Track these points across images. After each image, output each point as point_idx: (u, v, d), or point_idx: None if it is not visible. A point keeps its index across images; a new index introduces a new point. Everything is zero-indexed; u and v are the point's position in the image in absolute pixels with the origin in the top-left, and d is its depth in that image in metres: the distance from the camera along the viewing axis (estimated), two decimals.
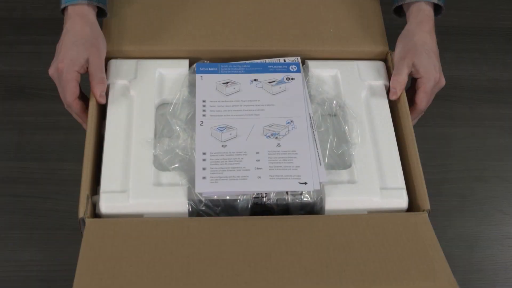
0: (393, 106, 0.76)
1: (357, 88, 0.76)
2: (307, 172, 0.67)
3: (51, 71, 0.70)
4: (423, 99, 0.74)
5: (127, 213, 0.65)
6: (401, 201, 0.68)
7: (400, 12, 0.80)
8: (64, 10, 0.73)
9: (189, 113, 0.72)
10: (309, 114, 0.72)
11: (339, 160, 0.71)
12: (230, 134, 0.70)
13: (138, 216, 0.65)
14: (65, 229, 0.82)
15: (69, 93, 0.69)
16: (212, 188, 0.65)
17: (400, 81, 0.74)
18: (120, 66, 0.75)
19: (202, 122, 0.71)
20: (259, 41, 0.78)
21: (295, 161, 0.68)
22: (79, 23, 0.72)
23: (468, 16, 1.11)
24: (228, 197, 0.66)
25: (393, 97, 0.75)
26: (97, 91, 0.70)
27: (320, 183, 0.66)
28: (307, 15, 0.80)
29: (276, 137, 0.70)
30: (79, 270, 0.58)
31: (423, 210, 0.66)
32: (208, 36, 0.77)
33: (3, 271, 0.78)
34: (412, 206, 0.69)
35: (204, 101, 0.73)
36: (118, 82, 0.74)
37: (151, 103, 0.72)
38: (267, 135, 0.70)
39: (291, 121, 0.71)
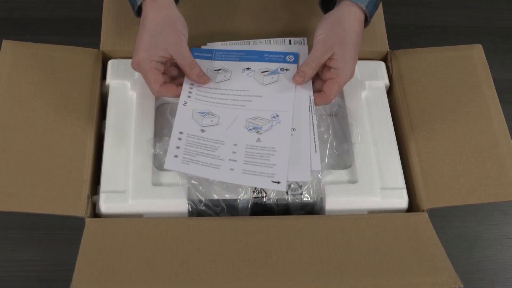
0: (393, 106, 0.76)
1: (357, 88, 0.76)
2: (282, 171, 0.65)
3: (132, 65, 0.69)
4: (335, 91, 0.68)
5: (127, 213, 0.65)
6: (401, 201, 0.68)
7: (328, 6, 0.75)
8: (141, 5, 0.70)
9: None
10: (311, 115, 0.70)
11: (339, 160, 0.71)
12: (211, 121, 0.68)
13: (138, 216, 0.65)
14: (65, 229, 0.81)
15: (152, 83, 0.67)
16: (181, 168, 0.64)
17: (314, 67, 0.68)
18: (120, 66, 0.75)
19: (186, 102, 0.70)
20: (258, 39, 0.78)
21: (272, 159, 0.66)
22: (154, 8, 0.68)
23: (467, 15, 1.11)
24: (227, 197, 0.66)
25: (299, 80, 0.69)
26: (192, 76, 0.70)
27: (317, 174, 0.66)
28: (307, 14, 0.80)
29: (258, 131, 0.68)
30: (78, 266, 0.58)
31: (423, 210, 0.67)
32: (208, 36, 0.77)
33: (2, 271, 0.78)
34: (412, 206, 0.69)
35: (192, 84, 0.71)
36: (118, 82, 0.74)
37: (151, 103, 0.72)
38: (248, 128, 0.68)
39: (277, 115, 0.70)
